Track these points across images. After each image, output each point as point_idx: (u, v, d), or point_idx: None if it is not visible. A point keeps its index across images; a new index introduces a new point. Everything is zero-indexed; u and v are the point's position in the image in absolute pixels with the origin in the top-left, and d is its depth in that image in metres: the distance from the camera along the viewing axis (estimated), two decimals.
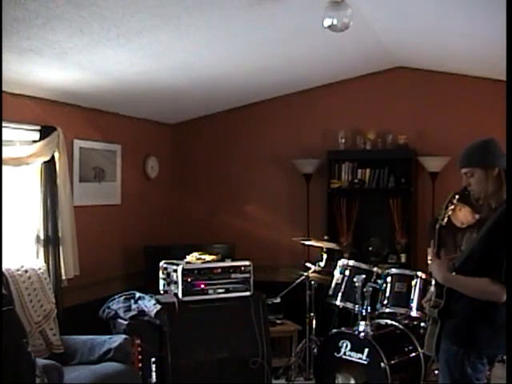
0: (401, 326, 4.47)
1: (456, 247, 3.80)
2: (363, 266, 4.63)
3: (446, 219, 2.80)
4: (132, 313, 4.30)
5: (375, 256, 5.38)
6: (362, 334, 4.26)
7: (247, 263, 4.71)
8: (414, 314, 4.36)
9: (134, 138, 5.56)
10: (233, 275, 4.64)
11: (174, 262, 4.65)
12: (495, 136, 2.80)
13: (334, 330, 4.48)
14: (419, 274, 4.40)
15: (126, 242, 5.42)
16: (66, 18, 3.04)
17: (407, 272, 4.52)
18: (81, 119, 4.87)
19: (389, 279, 4.49)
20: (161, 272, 4.67)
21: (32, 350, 3.27)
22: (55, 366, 3.46)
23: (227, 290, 4.61)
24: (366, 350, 4.16)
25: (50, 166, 4.35)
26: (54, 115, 4.47)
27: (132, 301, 4.44)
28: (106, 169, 5.18)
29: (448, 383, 2.71)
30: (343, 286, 4.61)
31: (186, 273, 4.48)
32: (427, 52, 4.93)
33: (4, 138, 3.96)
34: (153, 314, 4.24)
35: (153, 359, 4.25)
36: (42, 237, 4.34)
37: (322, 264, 5.01)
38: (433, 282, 2.84)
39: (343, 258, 4.90)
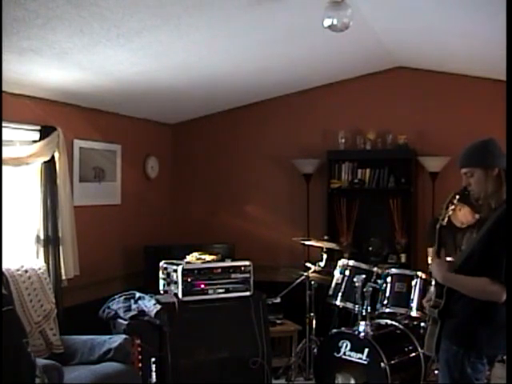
0: (401, 326, 4.47)
1: (456, 247, 3.80)
2: (363, 265, 4.63)
3: (446, 219, 2.80)
4: (132, 313, 4.30)
5: (375, 256, 5.38)
6: (362, 334, 4.26)
7: (247, 263, 4.71)
8: (414, 314, 4.36)
9: (134, 138, 5.56)
10: (233, 275, 4.64)
11: (174, 261, 4.65)
12: (495, 136, 2.80)
13: (334, 330, 4.47)
14: (419, 273, 4.40)
15: (126, 242, 5.42)
16: (66, 17, 3.04)
17: (407, 272, 4.52)
18: (81, 119, 4.87)
19: (389, 279, 4.49)
20: (161, 272, 4.67)
21: (32, 350, 3.26)
22: (55, 366, 3.46)
23: (227, 290, 4.61)
24: (366, 350, 4.16)
25: (49, 165, 4.35)
26: (54, 115, 4.47)
27: (132, 301, 4.44)
28: (106, 169, 5.18)
29: (448, 383, 2.71)
30: (343, 286, 4.61)
31: (185, 273, 4.48)
32: (427, 52, 4.93)
33: (4, 138, 3.96)
34: (153, 314, 4.24)
35: (153, 359, 4.25)
36: (42, 237, 4.34)
37: (322, 264, 5.01)
38: (433, 282, 2.84)
39: (343, 257, 4.90)
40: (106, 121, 5.17)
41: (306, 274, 4.95)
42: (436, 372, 4.21)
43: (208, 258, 4.72)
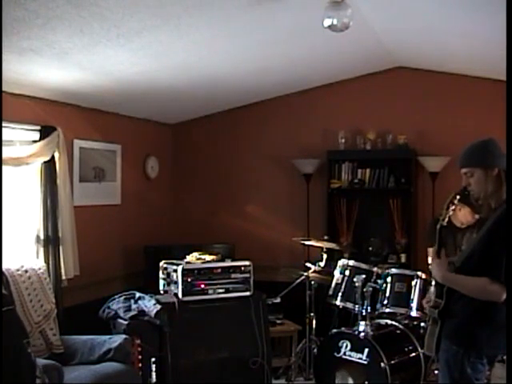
0: (401, 326, 4.47)
1: (456, 247, 3.80)
2: (363, 265, 4.63)
3: (446, 219, 2.80)
4: (132, 313, 4.30)
5: (375, 256, 5.38)
6: (362, 334, 4.26)
7: (247, 263, 4.71)
8: (413, 314, 4.36)
9: (134, 138, 5.56)
10: (233, 275, 4.64)
11: (174, 261, 4.65)
12: (495, 136, 2.80)
13: (334, 330, 4.47)
14: (419, 273, 4.40)
15: (126, 242, 5.42)
16: (66, 17, 3.04)
17: (407, 272, 4.52)
18: (81, 119, 4.87)
19: (389, 279, 4.49)
20: (161, 272, 4.67)
21: (32, 350, 3.26)
22: (55, 366, 3.46)
23: (227, 290, 4.61)
24: (366, 350, 4.16)
25: (50, 166, 4.35)
26: (54, 115, 4.47)
27: (132, 301, 4.44)
28: (106, 169, 5.18)
29: (448, 383, 2.71)
30: (343, 286, 4.61)
31: (185, 273, 4.48)
32: (427, 52, 4.93)
33: (4, 138, 3.96)
34: (153, 314, 4.24)
35: (153, 359, 4.25)
36: (42, 237, 4.34)
37: (322, 264, 5.01)
38: (433, 282, 2.84)
39: (343, 257, 4.89)
40: (105, 121, 5.17)
41: (306, 274, 4.95)
42: (436, 372, 4.21)
43: (208, 257, 4.72)
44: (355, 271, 4.58)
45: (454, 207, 2.81)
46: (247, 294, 4.67)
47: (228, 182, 6.05)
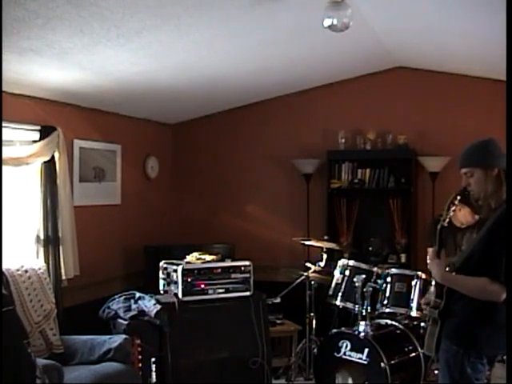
0: (401, 326, 4.47)
1: (456, 247, 3.80)
2: (363, 265, 4.63)
3: (447, 220, 2.80)
4: (132, 313, 4.30)
5: (375, 256, 5.38)
6: (362, 334, 4.26)
7: (247, 263, 4.71)
8: (414, 314, 4.36)
9: (134, 138, 5.56)
10: (233, 275, 4.64)
11: (174, 261, 4.65)
12: (495, 136, 2.80)
13: (334, 330, 4.47)
14: (419, 274, 4.40)
15: (126, 242, 5.42)
16: (66, 17, 3.04)
17: (407, 272, 4.52)
18: (81, 119, 4.87)
19: (389, 279, 4.49)
20: (161, 272, 4.67)
21: (32, 350, 3.27)
22: (55, 366, 3.46)
23: (227, 290, 4.61)
24: (366, 350, 4.16)
25: (50, 166, 4.35)
26: (54, 115, 4.47)
27: (132, 301, 4.44)
28: (106, 169, 5.18)
29: (448, 383, 2.71)
30: (343, 286, 4.61)
31: (185, 273, 4.48)
32: (427, 52, 4.93)
33: (4, 138, 3.96)
34: (153, 314, 4.24)
35: (153, 359, 4.25)
36: (42, 237, 4.34)
37: (322, 264, 5.01)
38: (433, 282, 2.84)
39: (343, 257, 4.89)
40: (105, 121, 5.17)
41: (306, 274, 4.95)
42: (436, 372, 4.21)
43: (208, 257, 4.72)
44: (355, 271, 4.58)
45: (454, 208, 2.81)
46: (247, 293, 4.67)
47: (228, 182, 6.05)
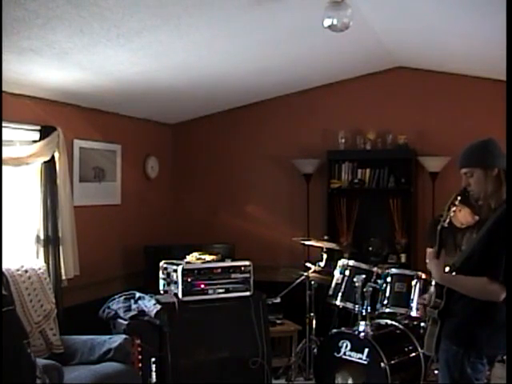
0: (401, 326, 4.47)
1: (456, 247, 3.80)
2: (363, 265, 4.62)
3: (447, 220, 2.79)
4: (132, 313, 4.30)
5: (375, 256, 5.38)
6: (362, 334, 4.26)
7: (247, 263, 4.71)
8: (413, 314, 4.35)
9: (134, 138, 5.56)
10: (233, 275, 4.64)
11: (174, 261, 4.65)
12: (495, 136, 2.80)
13: (334, 330, 4.47)
14: (419, 274, 4.40)
15: (126, 242, 5.42)
16: (66, 17, 3.04)
17: (407, 272, 4.52)
18: (81, 119, 4.87)
19: (389, 279, 4.49)
20: (161, 272, 4.67)
21: (32, 350, 3.26)
22: (55, 366, 3.46)
23: (227, 290, 4.61)
24: (366, 350, 4.16)
25: (50, 166, 4.35)
26: (54, 115, 4.47)
27: (132, 301, 4.44)
28: (106, 169, 5.18)
29: (448, 383, 2.71)
30: (343, 286, 4.61)
31: (185, 273, 4.48)
32: (427, 52, 4.93)
33: (4, 138, 3.96)
34: (153, 314, 4.24)
35: (153, 359, 4.25)
36: (42, 237, 4.34)
37: (322, 264, 5.01)
38: (433, 282, 2.84)
39: (343, 257, 4.89)
40: (105, 121, 5.17)
41: (306, 274, 4.95)
42: (436, 372, 4.21)
43: (208, 257, 4.72)
44: (355, 271, 4.57)
45: (454, 208, 2.81)
46: (247, 293, 4.67)
47: (228, 182, 6.05)
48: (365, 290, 4.42)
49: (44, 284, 4.10)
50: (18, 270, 3.96)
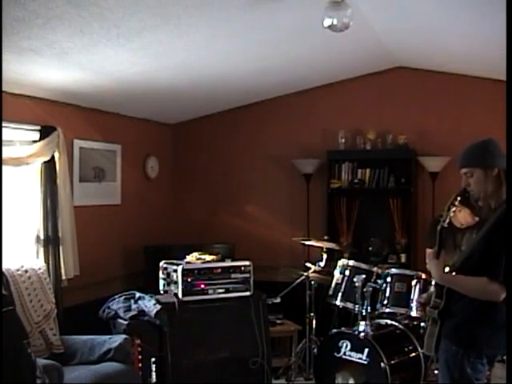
0: (401, 326, 4.47)
1: (456, 248, 3.80)
2: (363, 265, 4.63)
3: (447, 221, 2.79)
4: (132, 313, 4.30)
5: (375, 256, 5.37)
6: (362, 334, 4.26)
7: (247, 263, 4.71)
8: (413, 314, 4.35)
9: (134, 137, 5.56)
10: (233, 275, 4.64)
11: (174, 261, 4.65)
12: (495, 136, 2.80)
13: (334, 330, 4.47)
14: (419, 273, 4.40)
15: (126, 242, 5.42)
16: (66, 17, 3.04)
17: (407, 272, 4.52)
18: (81, 119, 4.87)
19: (389, 279, 4.49)
20: (161, 272, 4.67)
21: (32, 350, 3.26)
22: (55, 366, 3.46)
23: (227, 290, 4.61)
24: (366, 350, 4.16)
25: (50, 165, 4.35)
26: (54, 115, 4.47)
27: (132, 301, 4.44)
28: (106, 169, 5.18)
29: (448, 383, 2.71)
30: (343, 286, 4.61)
31: (185, 273, 4.48)
32: (427, 52, 4.93)
33: (4, 138, 3.96)
34: (153, 314, 4.24)
35: (153, 359, 4.25)
36: (42, 237, 4.34)
37: (322, 264, 5.01)
38: (433, 282, 2.84)
39: (343, 257, 4.90)
40: (105, 121, 5.17)
41: (306, 274, 4.95)
42: (436, 372, 4.21)
43: (208, 258, 4.72)
44: (355, 271, 4.58)
45: (454, 209, 2.81)
46: (247, 293, 4.67)
47: (228, 182, 6.05)
48: (365, 290, 4.42)
49: (44, 284, 4.10)
50: (18, 270, 3.96)
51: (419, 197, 5.47)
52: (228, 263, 4.71)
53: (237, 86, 5.18)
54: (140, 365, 4.18)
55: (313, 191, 5.69)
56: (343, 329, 4.46)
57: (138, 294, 4.49)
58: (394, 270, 4.55)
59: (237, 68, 4.60)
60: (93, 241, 4.93)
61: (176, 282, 4.50)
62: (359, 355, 4.19)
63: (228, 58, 4.32)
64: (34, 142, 4.27)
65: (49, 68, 3.81)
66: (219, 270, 4.61)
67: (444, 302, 2.73)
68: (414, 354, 4.33)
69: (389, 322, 4.55)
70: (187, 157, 6.17)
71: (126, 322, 4.23)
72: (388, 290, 4.47)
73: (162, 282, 4.67)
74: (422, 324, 4.36)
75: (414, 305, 4.34)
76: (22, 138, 4.24)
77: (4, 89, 3.89)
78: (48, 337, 3.99)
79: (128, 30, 3.38)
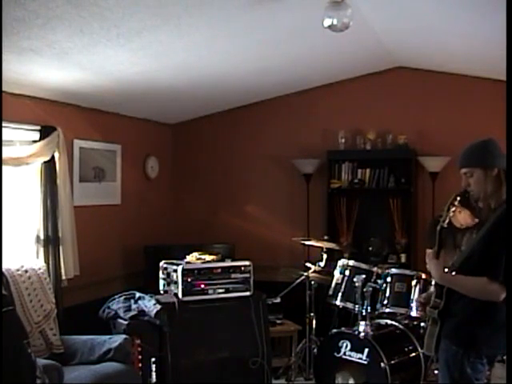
0: (401, 326, 4.47)
1: (456, 248, 3.80)
2: (363, 265, 4.63)
3: (447, 221, 2.79)
4: (132, 313, 4.30)
5: (375, 256, 5.37)
6: (362, 334, 4.26)
7: (247, 263, 4.71)
8: (413, 314, 4.35)
9: (134, 137, 5.56)
10: (233, 275, 4.64)
11: (174, 261, 4.65)
12: (495, 136, 2.80)
13: (334, 330, 4.47)
14: (419, 274, 4.40)
15: (126, 242, 5.42)
16: (66, 17, 3.04)
17: (407, 272, 4.52)
18: (81, 119, 4.88)
19: (389, 279, 4.49)
20: (161, 272, 4.67)
21: (32, 350, 3.26)
22: (55, 366, 3.46)
23: (227, 290, 4.61)
24: (366, 350, 4.16)
25: (49, 166, 4.35)
26: (54, 115, 4.47)
27: (132, 301, 4.44)
28: (106, 169, 5.18)
29: (448, 383, 2.71)
30: (343, 286, 4.61)
31: (185, 273, 4.48)
32: (427, 52, 4.93)
33: (4, 138, 3.96)
34: (153, 314, 4.24)
35: (153, 359, 4.25)
36: (42, 237, 4.34)
37: (322, 264, 5.01)
38: (433, 282, 2.84)
39: (343, 257, 4.90)
40: (105, 121, 5.17)
41: (306, 274, 4.95)
42: (436, 372, 4.21)
43: (208, 258, 4.72)
44: (355, 271, 4.58)
45: (454, 209, 2.81)
46: (247, 293, 4.67)
47: (228, 182, 6.05)
48: (365, 290, 4.42)
49: (44, 284, 4.10)
50: (18, 270, 3.96)
51: (419, 197, 5.47)
52: (228, 263, 4.71)
53: (237, 86, 5.18)
54: (140, 365, 4.18)
55: (313, 191, 5.69)
56: (343, 329, 4.46)
57: (138, 294, 4.49)
58: (393, 270, 4.55)
59: (237, 68, 4.60)
60: (93, 241, 4.93)
61: (176, 282, 4.50)
62: (359, 355, 4.19)
63: (228, 58, 4.32)
64: (34, 142, 4.27)
65: (49, 68, 3.81)
66: (219, 270, 4.61)
67: (444, 302, 2.73)
68: (414, 354, 4.33)
69: (389, 322, 4.55)
70: (187, 157, 6.18)
71: (126, 322, 4.23)
72: (388, 289, 4.47)
73: (161, 282, 4.67)
74: (422, 324, 4.36)
75: (414, 305, 4.34)
76: (22, 138, 4.24)
77: (4, 89, 3.89)
78: (48, 337, 3.99)
79: (128, 30, 3.38)
